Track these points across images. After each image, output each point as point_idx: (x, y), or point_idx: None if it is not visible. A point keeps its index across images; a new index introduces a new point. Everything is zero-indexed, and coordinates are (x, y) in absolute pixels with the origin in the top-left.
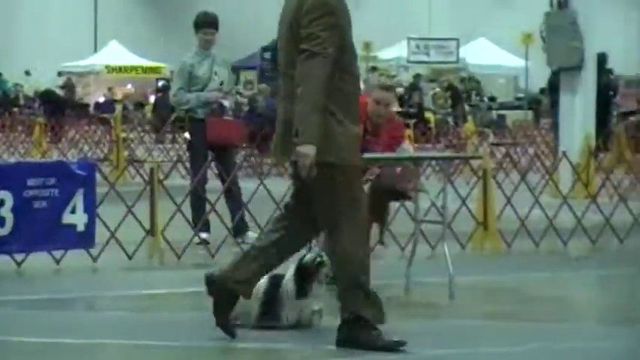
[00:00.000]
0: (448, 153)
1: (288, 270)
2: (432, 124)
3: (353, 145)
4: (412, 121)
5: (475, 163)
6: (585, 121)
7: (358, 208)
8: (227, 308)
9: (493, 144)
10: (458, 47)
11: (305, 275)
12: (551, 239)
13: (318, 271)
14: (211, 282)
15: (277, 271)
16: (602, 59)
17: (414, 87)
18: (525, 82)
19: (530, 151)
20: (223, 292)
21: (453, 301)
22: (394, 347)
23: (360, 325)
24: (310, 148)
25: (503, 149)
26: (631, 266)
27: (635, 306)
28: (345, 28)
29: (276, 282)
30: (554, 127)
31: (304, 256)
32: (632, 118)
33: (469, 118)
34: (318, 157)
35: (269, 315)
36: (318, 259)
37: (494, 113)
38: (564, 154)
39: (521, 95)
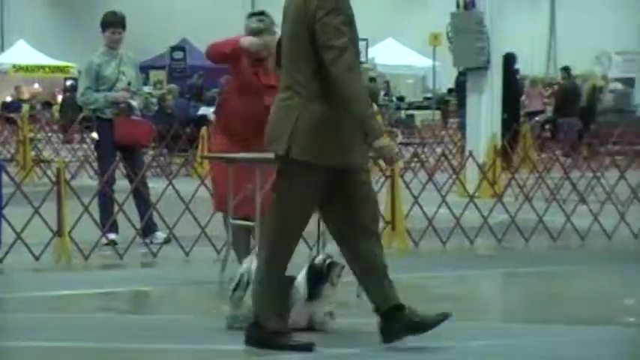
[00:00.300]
0: None
1: (300, 272)
2: None
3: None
4: None
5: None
6: (491, 120)
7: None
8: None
9: (401, 143)
10: (367, 48)
11: (316, 277)
12: (458, 238)
13: (330, 272)
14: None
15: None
16: (510, 59)
17: None
18: (433, 82)
19: (438, 150)
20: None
21: (360, 300)
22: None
23: None
24: (384, 140)
25: (411, 149)
26: (535, 265)
27: (538, 304)
28: (353, 20)
29: (287, 284)
30: (462, 126)
31: (315, 257)
32: (537, 119)
33: (378, 117)
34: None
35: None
36: (329, 260)
37: (402, 113)
38: (471, 153)
39: (429, 95)
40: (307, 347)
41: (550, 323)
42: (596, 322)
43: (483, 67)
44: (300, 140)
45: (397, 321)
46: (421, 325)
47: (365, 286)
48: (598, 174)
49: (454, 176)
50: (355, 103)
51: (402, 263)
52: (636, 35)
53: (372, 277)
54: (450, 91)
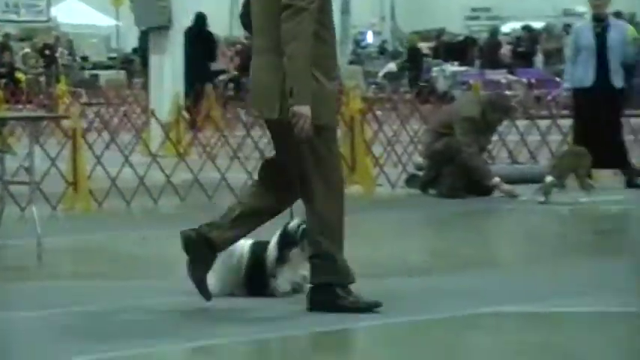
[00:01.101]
0: (38, 113)
1: (273, 237)
2: (23, 85)
3: (329, 103)
4: (2, 81)
5: (66, 123)
6: (174, 80)
7: (332, 169)
8: (204, 262)
9: (85, 104)
10: (49, 6)
11: (288, 242)
12: (142, 197)
13: (303, 237)
14: (187, 236)
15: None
16: (201, 19)
17: (3, 47)
18: (117, 41)
19: (123, 110)
20: (201, 244)
21: (42, 262)
22: (370, 307)
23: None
24: (307, 108)
25: (95, 109)
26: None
27: None
28: None
29: (260, 249)
30: (146, 86)
31: (288, 223)
32: (220, 78)
33: (62, 78)
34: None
35: (255, 283)
36: (303, 226)
37: (86, 73)
38: (153, 112)
39: (113, 55)
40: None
41: None
42: None
43: (165, 27)
44: None
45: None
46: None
47: None
48: None
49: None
50: (293, 61)
51: (86, 224)
52: None
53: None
54: (134, 50)
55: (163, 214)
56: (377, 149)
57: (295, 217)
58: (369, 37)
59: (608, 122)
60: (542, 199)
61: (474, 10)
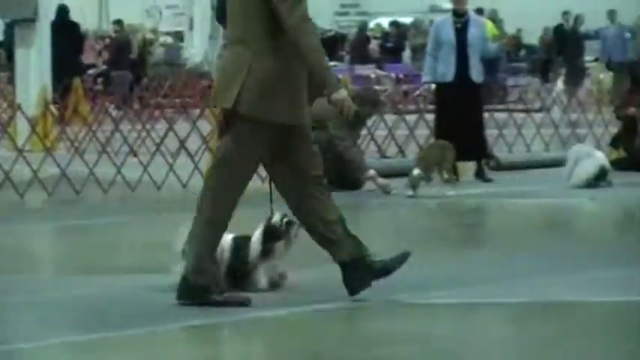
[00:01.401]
0: None
1: (255, 231)
2: None
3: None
4: None
5: None
6: (41, 74)
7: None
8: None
9: None
10: None
11: (272, 236)
12: (9, 192)
13: (288, 231)
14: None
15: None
16: (63, 11)
17: None
18: None
19: None
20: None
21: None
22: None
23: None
24: (343, 91)
25: None
26: (88, 217)
27: (93, 256)
28: None
29: (241, 242)
30: (12, 80)
31: (271, 217)
32: (89, 72)
33: None
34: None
35: (236, 277)
36: (286, 219)
37: None
38: (19, 107)
39: None
40: (242, 303)
41: (105, 273)
42: (149, 270)
43: (30, 19)
44: (251, 95)
45: (360, 270)
46: (384, 270)
47: (321, 240)
48: (148, 126)
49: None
50: (312, 53)
51: None
52: None
53: (330, 229)
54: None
55: (30, 208)
56: None
57: (276, 211)
58: None
59: (468, 116)
60: (410, 192)
61: (342, 5)
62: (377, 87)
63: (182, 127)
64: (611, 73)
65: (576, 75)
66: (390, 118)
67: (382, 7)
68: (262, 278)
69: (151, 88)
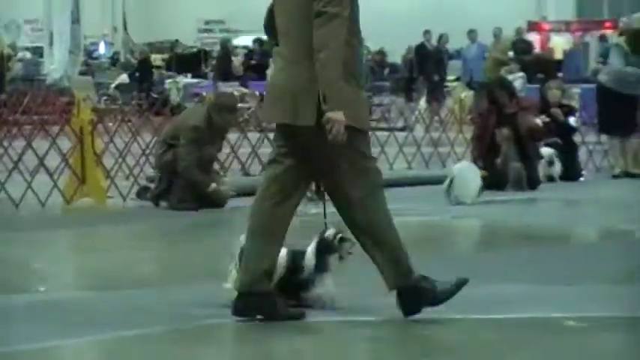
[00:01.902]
0: None
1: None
2: None
3: (365, 107)
4: None
5: None
6: None
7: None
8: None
9: None
10: None
11: (326, 250)
12: None
13: (341, 246)
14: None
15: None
16: None
17: None
18: None
19: None
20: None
21: None
22: None
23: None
24: (340, 113)
25: None
26: None
27: None
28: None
29: (296, 257)
30: None
31: (324, 231)
32: None
33: None
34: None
35: (289, 291)
36: (340, 235)
37: None
38: None
39: None
40: (298, 316)
41: None
42: (9, 290)
43: None
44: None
45: (415, 295)
46: (440, 297)
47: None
48: (5, 143)
49: None
50: (326, 67)
51: None
52: None
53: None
54: None
55: None
56: (108, 161)
57: (330, 226)
58: (101, 48)
59: None
60: None
61: (207, 22)
62: (241, 104)
63: (41, 144)
64: (472, 92)
65: (438, 94)
66: (253, 136)
67: (246, 25)
68: (317, 294)
69: (9, 105)
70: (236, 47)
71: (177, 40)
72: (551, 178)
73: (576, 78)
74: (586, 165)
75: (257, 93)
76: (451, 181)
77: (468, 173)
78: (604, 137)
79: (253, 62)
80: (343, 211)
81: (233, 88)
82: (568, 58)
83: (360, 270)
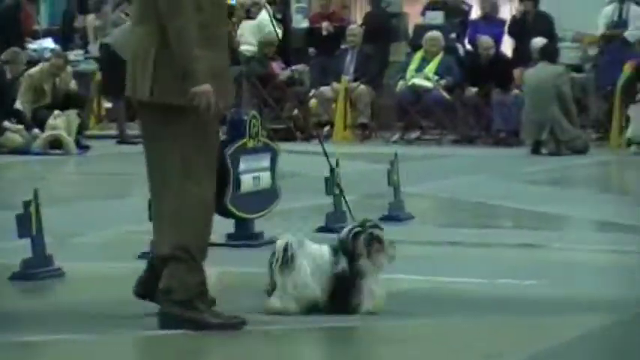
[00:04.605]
0: None
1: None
2: None
3: (219, 79)
4: None
5: None
6: None
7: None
8: None
9: None
10: None
11: (345, 252)
12: None
13: (360, 243)
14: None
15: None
16: None
17: None
18: None
19: None
20: None
21: None
22: None
23: None
24: (206, 86)
25: None
26: None
27: None
28: None
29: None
30: None
31: (353, 227)
32: None
33: None
34: (171, 98)
35: (336, 293)
36: (355, 230)
37: None
38: None
39: None
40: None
41: None
42: None
43: None
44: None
45: None
46: None
47: None
48: None
49: None
50: (180, 38)
51: None
52: None
53: None
54: None
55: None
56: None
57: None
58: None
59: None
60: None
61: None
62: None
63: None
64: None
65: None
66: None
67: None
68: (367, 295)
69: None
70: None
71: None
72: None
73: None
74: None
75: None
76: None
77: None
78: None
79: None
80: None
81: None
82: None
83: None
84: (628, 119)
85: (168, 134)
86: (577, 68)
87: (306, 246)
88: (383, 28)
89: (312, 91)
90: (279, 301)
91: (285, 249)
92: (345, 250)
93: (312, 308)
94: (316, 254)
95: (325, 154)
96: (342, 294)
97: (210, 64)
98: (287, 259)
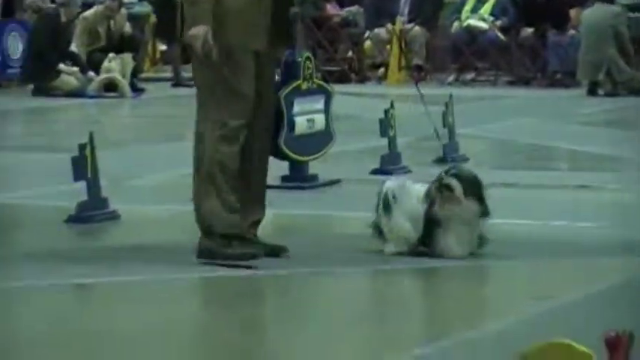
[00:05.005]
0: None
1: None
2: None
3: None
4: None
5: None
6: None
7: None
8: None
9: None
10: None
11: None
12: None
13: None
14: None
15: None
16: None
17: None
18: None
19: None
20: None
21: None
22: None
23: None
24: (200, 27)
25: None
26: None
27: None
28: None
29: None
30: None
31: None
32: None
33: None
34: None
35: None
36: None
37: None
38: None
39: None
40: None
41: None
42: None
43: None
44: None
45: None
46: None
47: None
48: None
49: None
50: None
51: None
52: None
53: None
54: None
55: None
56: None
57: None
58: None
59: None
60: None
61: None
62: None
63: None
64: None
65: None
66: None
67: None
68: (455, 242)
69: None
70: None
71: None
72: None
73: None
74: None
75: None
76: None
77: None
78: None
79: None
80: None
81: None
82: None
83: None
84: None
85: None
86: (634, 8)
87: (407, 187)
88: None
89: (367, 33)
90: (382, 242)
91: (387, 194)
92: (427, 195)
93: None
94: (417, 195)
95: (421, 97)
96: (427, 238)
97: (233, 3)
98: (388, 203)
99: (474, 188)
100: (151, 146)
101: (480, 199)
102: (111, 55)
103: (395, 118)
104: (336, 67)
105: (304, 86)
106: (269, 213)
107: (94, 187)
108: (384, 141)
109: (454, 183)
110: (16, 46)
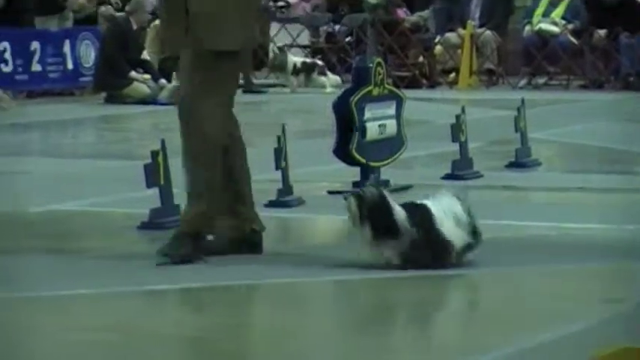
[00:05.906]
0: None
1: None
2: None
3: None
4: None
5: None
6: None
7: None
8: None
9: None
10: None
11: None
12: None
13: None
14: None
15: None
16: None
17: None
18: None
19: None
20: None
21: None
22: None
23: None
24: None
25: None
26: None
27: None
28: None
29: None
30: None
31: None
32: None
33: None
34: None
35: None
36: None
37: None
38: None
39: None
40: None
41: None
42: None
43: None
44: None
45: None
46: None
47: None
48: None
49: None
50: None
51: None
52: None
53: None
54: None
55: None
56: None
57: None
58: None
59: None
60: None
61: None
62: None
63: None
64: None
65: None
66: None
67: None
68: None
69: None
70: None
71: None
72: None
73: None
74: None
75: None
76: None
77: None
78: None
79: None
80: None
81: None
82: None
83: None
84: None
85: None
86: None
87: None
88: None
89: (438, 38)
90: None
91: None
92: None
93: None
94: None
95: None
96: None
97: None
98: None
99: (372, 212)
100: None
101: (377, 223)
102: None
103: (466, 123)
104: (406, 72)
105: (375, 92)
106: (339, 219)
107: (166, 193)
108: (456, 146)
109: (352, 203)
110: (88, 55)
